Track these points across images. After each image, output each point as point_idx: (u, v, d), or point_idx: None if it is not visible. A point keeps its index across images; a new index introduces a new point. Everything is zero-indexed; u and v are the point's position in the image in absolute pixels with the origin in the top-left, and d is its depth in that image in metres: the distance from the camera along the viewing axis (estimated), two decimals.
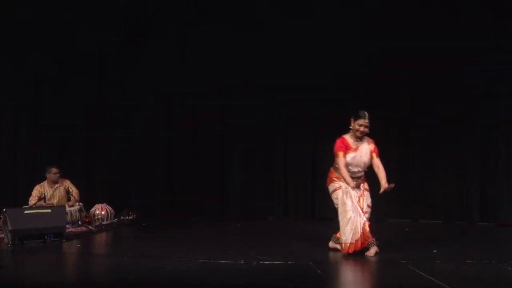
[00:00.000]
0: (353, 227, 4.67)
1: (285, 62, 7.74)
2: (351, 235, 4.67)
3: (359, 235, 4.68)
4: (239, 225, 7.21)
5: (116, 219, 7.04)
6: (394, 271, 4.28)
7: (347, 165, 4.80)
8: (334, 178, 4.92)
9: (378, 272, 4.27)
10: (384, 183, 4.72)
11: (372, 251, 4.77)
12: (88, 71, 8.05)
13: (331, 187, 4.95)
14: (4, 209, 5.56)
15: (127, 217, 7.10)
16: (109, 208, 7.01)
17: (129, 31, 7.87)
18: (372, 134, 7.77)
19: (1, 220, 5.70)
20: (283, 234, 6.33)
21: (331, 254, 4.94)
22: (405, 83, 7.41)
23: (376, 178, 4.85)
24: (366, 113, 4.80)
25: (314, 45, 7.61)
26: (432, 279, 3.86)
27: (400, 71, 7.35)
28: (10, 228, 5.37)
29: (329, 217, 7.15)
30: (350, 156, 4.81)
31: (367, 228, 4.71)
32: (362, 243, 4.72)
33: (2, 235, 5.65)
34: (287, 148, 7.99)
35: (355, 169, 4.84)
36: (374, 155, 4.87)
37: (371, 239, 4.79)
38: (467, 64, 7.20)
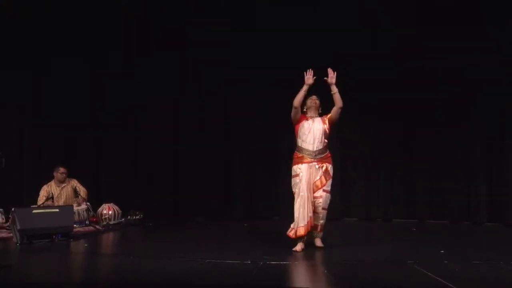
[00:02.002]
0: (305, 208, 4.82)
1: (285, 60, 7.63)
2: (303, 218, 4.82)
3: (309, 217, 4.84)
4: (245, 224, 7.22)
5: (123, 219, 7.07)
6: (401, 272, 4.27)
7: (302, 134, 5.03)
8: (297, 159, 5.08)
9: (385, 272, 4.26)
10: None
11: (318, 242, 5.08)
12: (91, 71, 8.09)
13: (293, 171, 5.10)
14: (12, 209, 5.62)
15: (134, 217, 7.12)
16: (116, 207, 7.05)
17: (130, 30, 7.93)
18: (377, 134, 7.86)
19: (10, 220, 5.76)
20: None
21: (338, 254, 4.94)
22: (408, 82, 7.39)
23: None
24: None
25: (315, 50, 7.54)
26: (440, 279, 3.85)
27: (404, 70, 7.38)
28: (18, 227, 5.40)
29: (335, 217, 7.21)
30: (305, 124, 5.07)
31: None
32: (311, 225, 4.87)
33: (11, 235, 5.70)
34: (291, 147, 7.97)
35: (310, 138, 5.00)
36: (329, 115, 5.14)
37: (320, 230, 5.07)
38: (469, 62, 7.17)
